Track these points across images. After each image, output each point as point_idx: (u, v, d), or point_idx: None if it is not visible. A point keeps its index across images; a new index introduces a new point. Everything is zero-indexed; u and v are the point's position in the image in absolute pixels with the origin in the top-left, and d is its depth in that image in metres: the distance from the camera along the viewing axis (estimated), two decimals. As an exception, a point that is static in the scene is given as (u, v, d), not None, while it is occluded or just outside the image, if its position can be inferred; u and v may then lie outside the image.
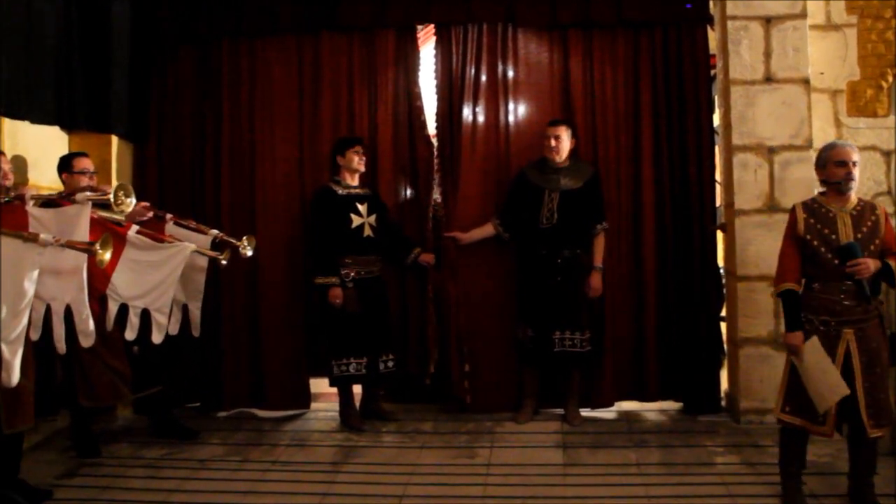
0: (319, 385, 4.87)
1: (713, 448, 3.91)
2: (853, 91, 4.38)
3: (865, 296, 3.03)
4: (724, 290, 4.58)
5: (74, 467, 3.74)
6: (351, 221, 4.33)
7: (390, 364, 4.45)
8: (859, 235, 3.07)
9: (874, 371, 3.03)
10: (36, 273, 2.62)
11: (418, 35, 4.91)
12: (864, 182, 4.36)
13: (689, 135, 4.50)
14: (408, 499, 3.34)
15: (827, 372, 3.00)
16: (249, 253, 3.96)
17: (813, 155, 4.17)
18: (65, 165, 3.91)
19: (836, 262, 3.05)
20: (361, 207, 4.38)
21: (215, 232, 4.05)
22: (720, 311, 4.59)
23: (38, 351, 3.07)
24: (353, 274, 4.30)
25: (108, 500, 3.39)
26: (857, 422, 3.02)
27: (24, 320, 2.61)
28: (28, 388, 3.17)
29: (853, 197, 3.15)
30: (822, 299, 3.09)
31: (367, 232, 4.37)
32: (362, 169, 4.44)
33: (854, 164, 3.10)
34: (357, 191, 4.43)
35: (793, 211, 3.23)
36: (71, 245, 2.77)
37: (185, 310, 3.96)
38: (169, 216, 3.98)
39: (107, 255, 2.68)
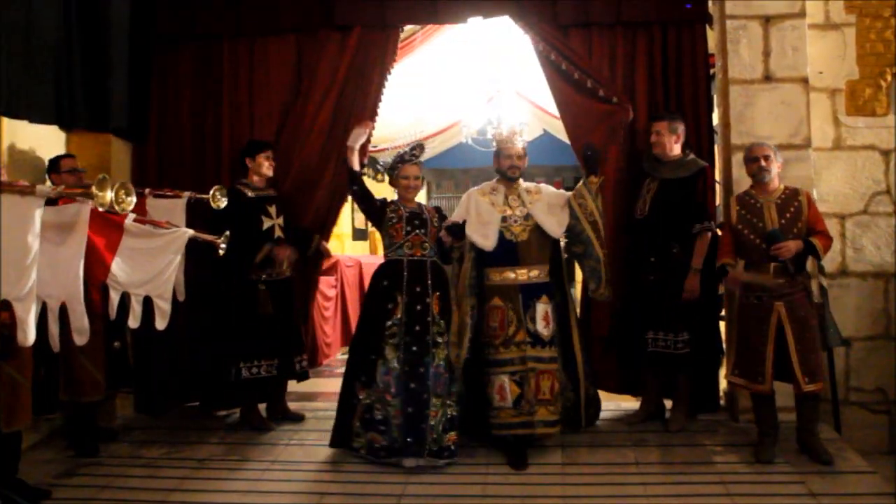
0: (319, 385, 4.86)
1: (712, 447, 3.90)
2: (852, 90, 4.39)
3: (790, 273, 3.57)
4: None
5: (73, 467, 3.74)
6: (262, 223, 4.31)
7: (304, 364, 4.50)
8: (783, 221, 3.62)
9: (804, 335, 3.57)
10: (38, 226, 2.60)
11: (417, 35, 4.91)
12: (862, 181, 4.39)
13: (688, 134, 4.49)
14: (407, 498, 3.34)
15: None
16: (222, 205, 3.78)
17: (812, 154, 4.22)
18: (52, 167, 4.01)
19: (764, 246, 3.58)
20: (271, 209, 4.37)
21: (188, 193, 4.01)
22: (719, 310, 4.59)
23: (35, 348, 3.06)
24: (264, 276, 4.29)
25: (107, 499, 3.39)
26: (794, 379, 3.55)
27: (33, 275, 2.59)
28: (26, 386, 3.18)
29: (778, 186, 3.72)
30: (755, 279, 3.63)
31: (277, 233, 4.37)
32: (270, 174, 4.40)
33: (766, 157, 3.68)
34: (265, 192, 4.40)
35: (730, 202, 3.85)
36: (69, 193, 2.77)
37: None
38: (147, 190, 3.98)
39: (107, 196, 2.65)
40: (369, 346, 3.79)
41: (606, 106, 4.42)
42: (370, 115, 4.63)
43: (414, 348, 3.73)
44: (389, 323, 3.76)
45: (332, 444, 3.85)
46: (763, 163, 3.67)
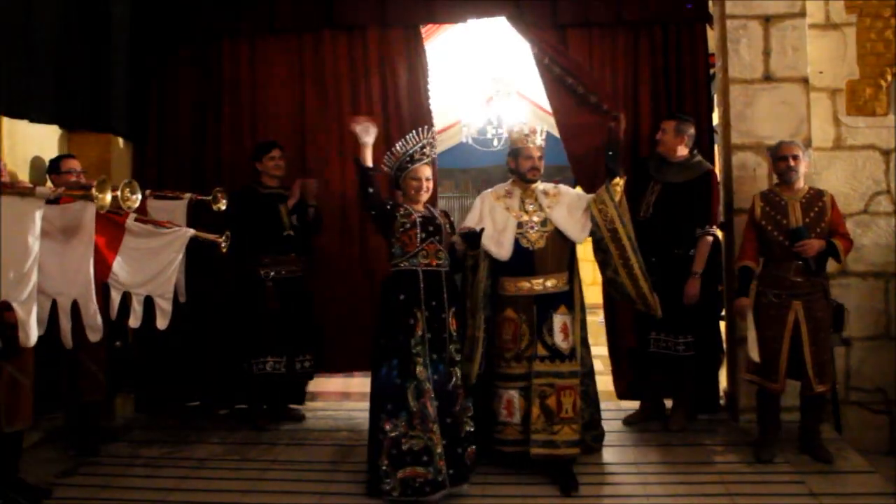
0: (319, 385, 4.84)
1: (712, 447, 3.91)
2: (852, 90, 4.39)
3: (811, 271, 3.58)
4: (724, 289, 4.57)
5: (74, 466, 3.74)
6: (272, 221, 4.32)
7: (307, 364, 4.44)
8: (807, 220, 3.63)
9: (819, 336, 3.61)
10: (38, 227, 2.60)
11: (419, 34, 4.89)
12: (862, 181, 4.38)
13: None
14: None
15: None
16: (223, 206, 3.82)
17: (812, 154, 4.21)
18: (53, 167, 3.99)
19: (787, 243, 3.59)
20: (283, 208, 4.37)
21: (189, 195, 4.07)
22: (720, 310, 4.59)
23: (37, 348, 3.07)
24: (272, 273, 4.29)
25: (107, 498, 3.39)
26: (804, 379, 3.60)
27: (34, 277, 2.60)
28: (27, 386, 3.18)
29: (803, 186, 3.73)
30: (775, 276, 3.66)
31: (289, 232, 4.37)
32: (279, 173, 4.41)
33: (795, 157, 3.67)
34: (278, 191, 4.41)
35: (753, 199, 3.82)
36: (69, 194, 2.77)
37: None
38: (148, 192, 3.98)
39: (107, 198, 2.65)
40: (394, 367, 3.36)
41: (598, 114, 4.36)
42: (426, 115, 4.65)
43: (439, 367, 3.41)
44: (413, 341, 3.38)
45: (368, 492, 3.37)
46: (791, 162, 3.67)
